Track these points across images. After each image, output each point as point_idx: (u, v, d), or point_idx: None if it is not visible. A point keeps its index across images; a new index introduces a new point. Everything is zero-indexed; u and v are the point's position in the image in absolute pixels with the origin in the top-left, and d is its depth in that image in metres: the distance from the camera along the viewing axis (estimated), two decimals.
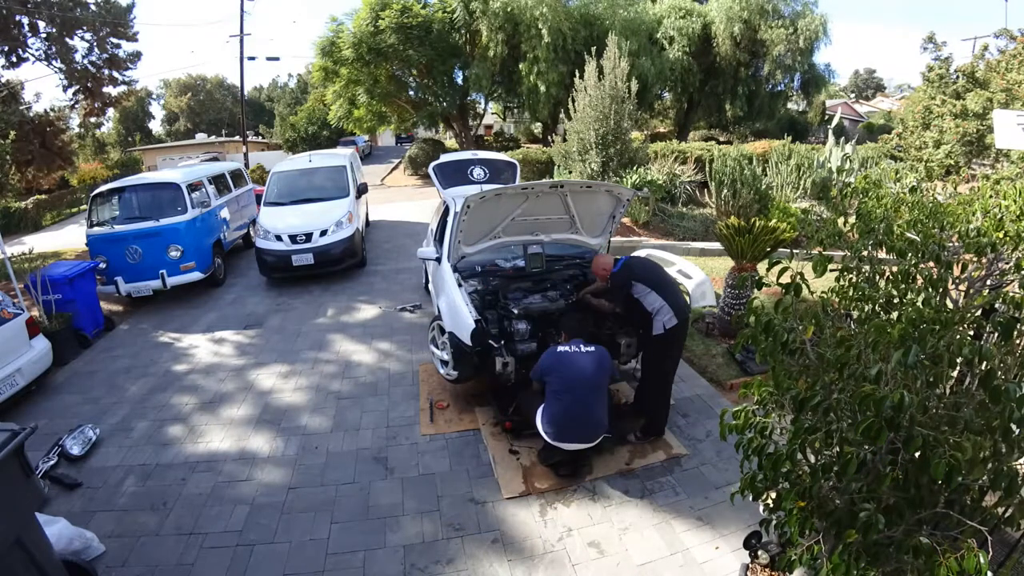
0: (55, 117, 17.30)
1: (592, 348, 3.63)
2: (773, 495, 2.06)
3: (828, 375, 1.89)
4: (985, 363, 1.56)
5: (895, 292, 2.25)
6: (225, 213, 8.85)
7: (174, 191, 7.67)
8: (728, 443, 2.06)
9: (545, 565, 2.99)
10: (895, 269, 2.32)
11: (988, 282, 3.02)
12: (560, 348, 3.63)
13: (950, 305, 2.82)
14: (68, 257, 9.84)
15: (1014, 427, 1.53)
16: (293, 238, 7.85)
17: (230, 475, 3.85)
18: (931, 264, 2.44)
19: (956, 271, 2.77)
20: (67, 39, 15.80)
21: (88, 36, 16.38)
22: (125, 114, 44.97)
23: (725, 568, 2.90)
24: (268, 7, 73.23)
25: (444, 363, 4.49)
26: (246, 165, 20.02)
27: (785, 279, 2.04)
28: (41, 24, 15.26)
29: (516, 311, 4.32)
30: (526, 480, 3.64)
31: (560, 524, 3.27)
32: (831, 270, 2.26)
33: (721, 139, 23.81)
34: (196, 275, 7.60)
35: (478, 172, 6.76)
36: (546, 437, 3.57)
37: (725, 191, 9.61)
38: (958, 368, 1.73)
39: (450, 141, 28.86)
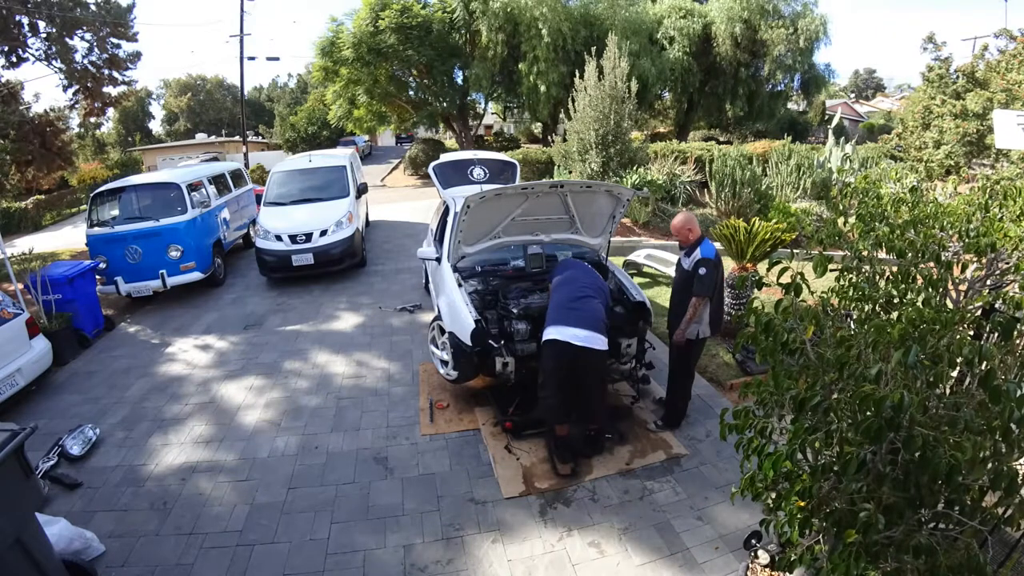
0: (55, 117, 17.31)
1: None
2: (773, 495, 2.06)
3: (828, 375, 1.89)
4: (985, 363, 1.56)
5: (895, 292, 2.25)
6: (225, 213, 8.86)
7: (174, 191, 7.67)
8: (728, 443, 2.06)
9: (545, 565, 2.99)
10: (895, 269, 2.32)
11: (988, 282, 3.02)
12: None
13: (950, 305, 2.83)
14: (64, 258, 9.84)
15: (1014, 427, 1.52)
16: (293, 238, 7.85)
17: (230, 475, 3.85)
18: (931, 264, 2.44)
19: (956, 271, 2.77)
20: (67, 39, 15.76)
21: (88, 36, 16.34)
22: (125, 114, 45.01)
23: (725, 568, 2.90)
24: (268, 7, 73.09)
25: (444, 363, 4.49)
26: (246, 165, 20.03)
27: (785, 279, 2.04)
28: (41, 24, 15.23)
29: (516, 311, 4.32)
30: (526, 480, 3.64)
31: (560, 524, 3.27)
32: (831, 270, 2.25)
33: (721, 139, 23.81)
34: (196, 275, 7.60)
35: (478, 172, 6.76)
36: (548, 334, 3.60)
37: (725, 191, 9.60)
38: (958, 368, 1.73)
39: (450, 141, 28.87)
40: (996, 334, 1.77)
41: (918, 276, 2.28)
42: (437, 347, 4.63)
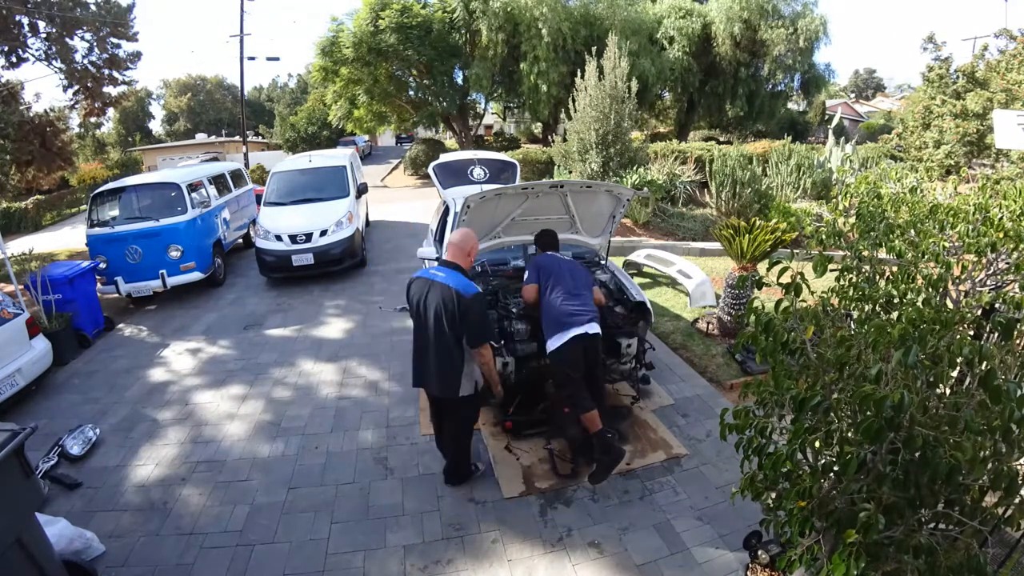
0: (55, 117, 17.26)
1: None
2: (773, 495, 2.05)
3: (828, 375, 1.89)
4: (985, 363, 1.56)
5: (895, 292, 2.25)
6: (225, 213, 8.86)
7: (174, 191, 7.68)
8: (728, 443, 2.06)
9: (545, 565, 2.99)
10: (895, 269, 2.32)
11: (988, 282, 3.02)
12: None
13: (950, 305, 2.83)
14: (61, 258, 9.84)
15: (1014, 427, 1.52)
16: (293, 238, 7.85)
17: (230, 475, 3.86)
18: (931, 264, 2.44)
19: (956, 271, 2.77)
20: (67, 39, 15.74)
21: (88, 36, 16.32)
22: (125, 114, 44.98)
23: (725, 568, 2.90)
24: (268, 7, 73.20)
25: None
26: (246, 165, 20.02)
27: (785, 279, 2.04)
28: (41, 24, 15.22)
29: (516, 311, 4.31)
30: (526, 480, 3.64)
31: (560, 524, 3.27)
32: (831, 270, 2.26)
33: (721, 139, 23.79)
34: (196, 275, 7.61)
35: (478, 172, 6.76)
36: (558, 339, 3.55)
37: (725, 191, 9.60)
38: (958, 368, 1.73)
39: (450, 141, 28.85)
40: (996, 334, 1.77)
41: (918, 276, 2.28)
42: None
